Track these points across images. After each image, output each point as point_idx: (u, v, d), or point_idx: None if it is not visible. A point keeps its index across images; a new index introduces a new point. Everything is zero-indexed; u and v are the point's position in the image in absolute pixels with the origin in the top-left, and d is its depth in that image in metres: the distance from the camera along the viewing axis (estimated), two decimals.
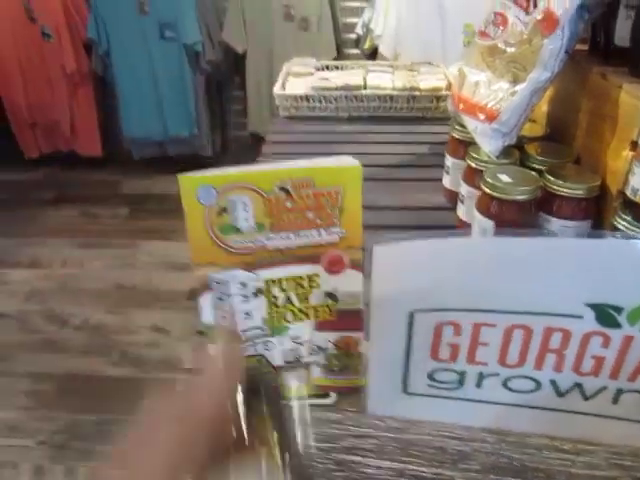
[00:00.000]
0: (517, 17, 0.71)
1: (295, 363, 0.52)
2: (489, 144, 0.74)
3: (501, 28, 0.73)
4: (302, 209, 0.44)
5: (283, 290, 0.47)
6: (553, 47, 0.68)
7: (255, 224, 0.44)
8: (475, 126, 0.75)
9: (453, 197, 0.88)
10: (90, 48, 2.73)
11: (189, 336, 1.95)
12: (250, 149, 3.05)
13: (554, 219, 0.70)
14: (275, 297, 0.48)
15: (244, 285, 0.46)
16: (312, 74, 1.40)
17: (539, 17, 0.67)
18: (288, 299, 0.48)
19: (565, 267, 0.40)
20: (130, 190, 2.98)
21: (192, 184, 0.41)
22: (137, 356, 1.87)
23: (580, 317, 0.41)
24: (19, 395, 1.71)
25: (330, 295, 0.48)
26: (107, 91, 2.91)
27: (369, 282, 0.42)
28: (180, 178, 0.41)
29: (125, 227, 2.65)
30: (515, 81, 0.72)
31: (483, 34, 0.77)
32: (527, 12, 0.69)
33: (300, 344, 0.51)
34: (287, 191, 0.42)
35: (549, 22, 0.67)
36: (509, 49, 0.72)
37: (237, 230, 0.44)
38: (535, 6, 0.68)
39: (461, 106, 0.80)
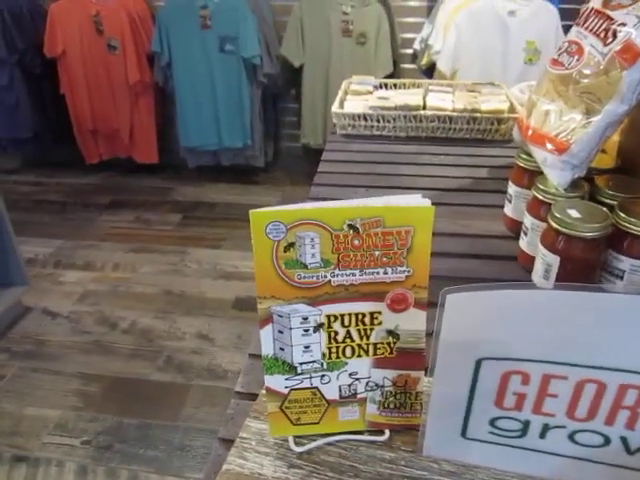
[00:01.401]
0: (594, 47, 0.68)
1: (351, 398, 0.51)
2: (558, 176, 0.72)
3: (576, 57, 0.70)
4: (370, 247, 0.43)
5: (344, 326, 0.47)
6: (632, 79, 0.65)
7: (321, 260, 0.43)
8: (544, 157, 0.72)
9: (515, 226, 0.86)
10: (152, 59, 2.82)
11: (232, 345, 1.96)
12: (302, 160, 3.07)
13: (624, 258, 0.66)
14: (336, 332, 0.47)
15: (305, 319, 0.45)
16: (371, 93, 1.39)
17: (618, 48, 0.65)
18: (348, 335, 0.47)
19: None
20: (182, 197, 3.04)
21: (262, 219, 0.41)
22: (181, 362, 1.90)
23: None
24: (68, 394, 1.76)
25: (391, 333, 0.47)
26: (166, 101, 2.99)
27: (437, 323, 0.41)
28: (251, 213, 0.40)
29: (176, 233, 2.70)
30: (589, 112, 0.69)
31: (556, 62, 0.74)
32: (605, 43, 0.66)
33: (357, 380, 0.50)
34: (356, 229, 0.42)
35: (629, 54, 0.64)
36: (583, 80, 0.69)
37: (303, 265, 0.43)
38: (614, 37, 0.65)
39: (529, 135, 0.77)
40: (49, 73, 2.89)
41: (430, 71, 2.52)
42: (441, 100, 1.31)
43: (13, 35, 2.76)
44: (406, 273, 0.44)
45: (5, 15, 2.72)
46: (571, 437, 0.45)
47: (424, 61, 2.53)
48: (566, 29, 0.78)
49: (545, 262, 0.69)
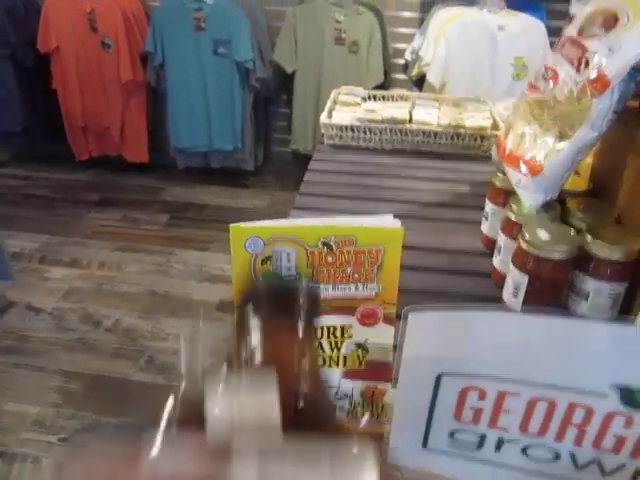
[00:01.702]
0: (568, 74, 0.71)
1: None
2: (530, 198, 0.75)
3: (551, 83, 0.73)
4: (342, 264, 0.45)
5: (316, 337, 0.49)
6: (602, 107, 0.68)
7: (296, 274, 0.45)
8: (518, 179, 0.75)
9: (490, 243, 0.88)
10: (145, 59, 2.83)
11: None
12: (291, 165, 3.08)
13: (590, 279, 0.69)
14: None
15: None
16: (359, 104, 1.42)
17: (589, 77, 0.68)
18: (320, 346, 0.49)
19: (592, 348, 0.40)
20: (171, 197, 3.04)
21: (242, 234, 0.43)
22: (163, 363, 1.91)
23: (604, 396, 0.42)
24: (49, 391, 1.76)
25: (361, 346, 0.50)
26: (158, 101, 3.00)
27: (400, 339, 0.43)
28: (231, 227, 0.43)
29: (163, 234, 2.70)
30: (561, 137, 0.72)
31: (532, 87, 0.77)
32: (578, 71, 0.69)
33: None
34: (330, 246, 0.44)
35: (600, 82, 0.67)
36: (557, 105, 0.72)
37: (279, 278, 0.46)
38: (587, 66, 0.68)
39: (505, 155, 0.80)
40: (41, 68, 2.88)
41: (421, 82, 2.56)
42: (427, 114, 1.34)
43: (6, 29, 2.76)
44: (376, 290, 0.47)
45: None
46: (524, 451, 0.47)
47: (414, 72, 2.56)
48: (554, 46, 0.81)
49: (515, 281, 0.71)
